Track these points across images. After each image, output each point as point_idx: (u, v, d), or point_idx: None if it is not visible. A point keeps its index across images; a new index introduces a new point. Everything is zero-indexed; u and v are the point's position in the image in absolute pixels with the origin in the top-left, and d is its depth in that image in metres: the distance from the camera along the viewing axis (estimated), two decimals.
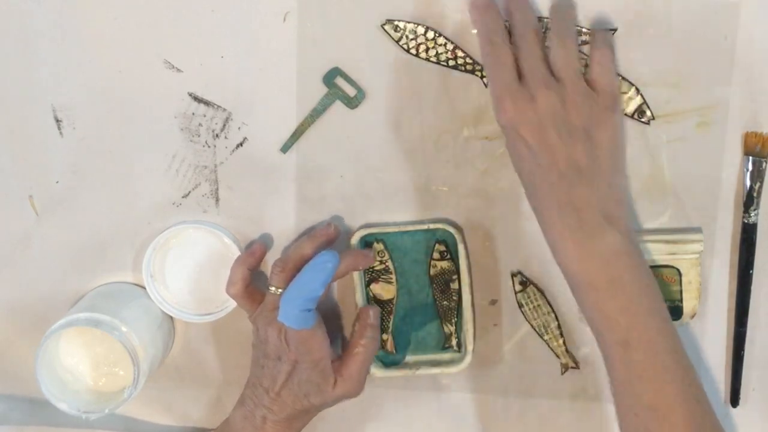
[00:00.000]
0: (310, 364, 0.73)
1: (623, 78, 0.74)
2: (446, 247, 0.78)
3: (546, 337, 0.79)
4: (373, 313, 0.76)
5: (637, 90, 0.74)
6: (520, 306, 0.79)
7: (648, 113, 0.74)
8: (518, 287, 0.78)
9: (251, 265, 0.77)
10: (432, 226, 0.77)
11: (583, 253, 0.66)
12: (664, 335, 0.66)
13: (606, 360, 0.68)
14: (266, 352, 0.74)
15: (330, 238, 0.76)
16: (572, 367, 0.80)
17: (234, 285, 0.76)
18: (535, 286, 0.78)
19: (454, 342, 0.79)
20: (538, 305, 0.78)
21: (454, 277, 0.78)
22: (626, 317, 0.66)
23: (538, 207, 0.68)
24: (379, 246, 0.78)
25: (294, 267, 0.74)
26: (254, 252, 0.77)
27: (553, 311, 0.78)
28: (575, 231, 0.66)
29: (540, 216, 0.68)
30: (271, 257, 0.80)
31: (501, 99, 0.67)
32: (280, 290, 0.74)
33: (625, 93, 0.74)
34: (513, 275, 0.78)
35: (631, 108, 0.74)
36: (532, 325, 0.79)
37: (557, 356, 0.80)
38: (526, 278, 0.78)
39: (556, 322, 0.79)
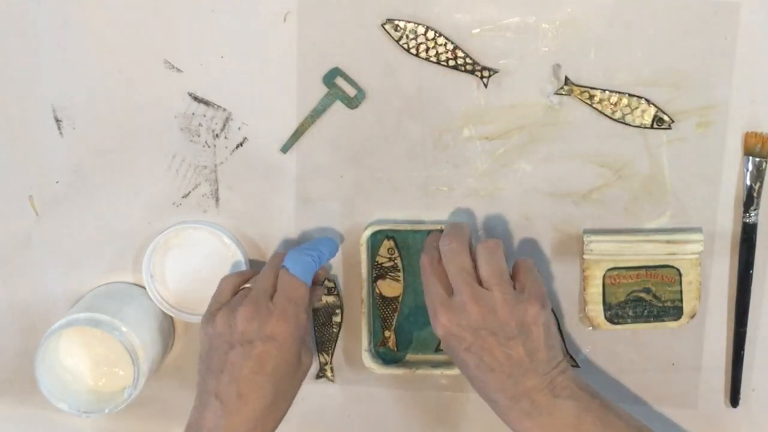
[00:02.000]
0: (292, 336, 0.70)
1: (631, 94, 0.74)
2: None
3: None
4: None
5: (647, 100, 0.74)
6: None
7: (666, 118, 0.74)
8: None
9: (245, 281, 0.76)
10: (443, 227, 0.77)
11: (551, 430, 0.68)
12: None
13: None
14: (229, 340, 0.69)
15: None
16: (573, 366, 0.80)
17: (233, 274, 0.76)
18: None
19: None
20: None
21: (338, 311, 0.80)
22: None
23: (490, 401, 0.70)
24: (389, 243, 0.78)
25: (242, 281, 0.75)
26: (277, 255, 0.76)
27: (553, 313, 0.78)
28: (533, 416, 0.68)
29: (495, 407, 0.70)
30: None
31: (435, 312, 0.69)
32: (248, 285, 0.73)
33: (637, 107, 0.74)
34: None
35: (648, 119, 0.74)
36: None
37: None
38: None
39: (556, 324, 0.79)
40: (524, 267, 0.72)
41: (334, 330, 0.80)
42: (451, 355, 0.71)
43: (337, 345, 0.81)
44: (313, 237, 0.79)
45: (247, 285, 0.74)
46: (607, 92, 0.74)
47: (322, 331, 0.80)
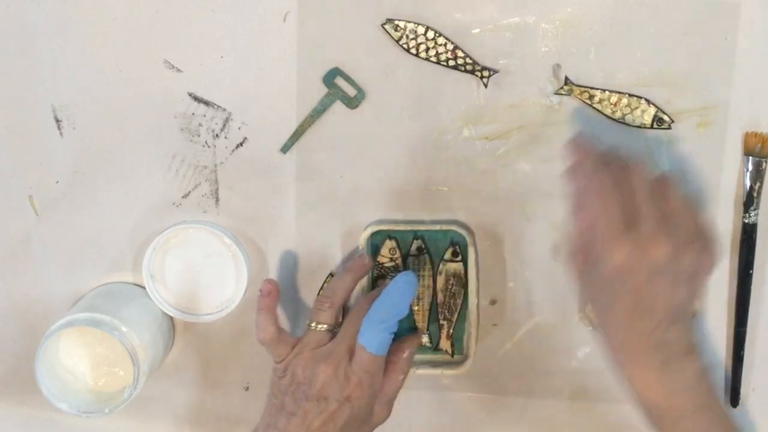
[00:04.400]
0: (367, 399, 0.71)
1: (631, 94, 0.74)
2: (459, 248, 0.78)
3: (415, 308, 0.80)
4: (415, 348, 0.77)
5: (647, 100, 0.74)
6: (407, 269, 0.79)
7: (666, 118, 0.74)
8: (414, 251, 0.78)
9: (273, 306, 0.76)
10: (444, 227, 0.77)
11: (672, 386, 0.65)
12: None
13: None
14: (307, 393, 0.71)
15: (366, 268, 0.77)
16: (445, 352, 0.80)
17: (265, 330, 0.74)
18: (430, 260, 0.78)
19: (425, 340, 0.80)
20: (422, 276, 0.79)
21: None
22: None
23: (619, 346, 0.66)
24: (391, 243, 0.78)
25: (341, 301, 0.75)
26: (271, 292, 0.76)
27: (434, 290, 0.78)
28: (662, 369, 0.65)
29: (621, 355, 0.66)
30: (272, 261, 0.80)
31: (617, 239, 0.63)
32: (324, 327, 0.73)
33: (637, 107, 0.74)
34: (415, 238, 0.78)
35: (648, 119, 0.74)
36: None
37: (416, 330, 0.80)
38: (426, 247, 0.78)
39: (432, 301, 0.79)
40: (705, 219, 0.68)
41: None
42: (604, 289, 0.65)
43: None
44: (306, 242, 0.79)
45: (319, 326, 0.74)
46: (606, 92, 0.74)
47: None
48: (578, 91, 0.74)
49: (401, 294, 0.72)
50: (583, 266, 0.66)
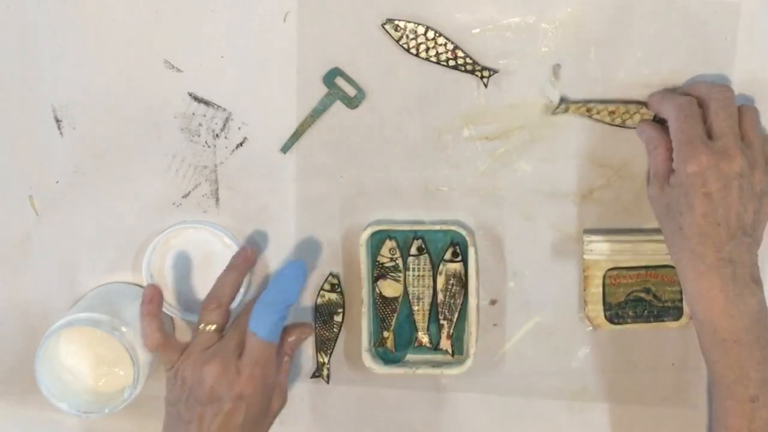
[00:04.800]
0: (261, 393, 0.71)
1: (628, 101, 0.74)
2: (459, 248, 0.78)
3: (415, 308, 0.79)
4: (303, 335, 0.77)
5: (646, 104, 0.74)
6: (406, 269, 0.79)
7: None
8: (414, 251, 0.78)
9: (157, 311, 0.75)
10: (444, 227, 0.77)
11: (734, 309, 0.67)
12: None
13: (725, 411, 0.68)
14: (199, 397, 0.70)
15: (250, 261, 0.77)
16: (445, 352, 0.80)
17: (151, 337, 0.73)
18: (430, 260, 0.79)
19: (425, 340, 0.80)
20: (422, 276, 0.79)
21: (340, 310, 0.80)
22: (761, 373, 0.67)
23: (690, 258, 0.68)
24: (391, 243, 0.78)
25: (229, 300, 0.74)
26: (153, 297, 0.75)
27: (434, 290, 0.78)
28: (729, 287, 0.67)
29: (690, 268, 0.68)
30: (272, 261, 0.80)
31: (695, 148, 0.67)
32: (212, 327, 0.73)
33: (636, 112, 0.74)
34: (415, 238, 0.78)
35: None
36: (407, 290, 0.79)
37: (416, 330, 0.80)
38: (426, 247, 0.78)
39: (432, 301, 0.79)
40: None
41: (335, 330, 0.80)
42: (677, 197, 0.68)
43: (336, 345, 0.81)
44: (306, 242, 0.79)
45: (207, 327, 0.73)
46: (604, 104, 0.74)
47: (322, 330, 0.80)
48: (575, 108, 0.74)
49: (291, 279, 0.72)
50: (659, 187, 0.70)
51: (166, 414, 0.72)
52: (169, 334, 0.75)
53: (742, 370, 0.67)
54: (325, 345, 0.81)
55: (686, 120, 0.69)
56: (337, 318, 0.80)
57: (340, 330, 0.80)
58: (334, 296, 0.80)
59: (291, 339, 0.76)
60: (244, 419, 0.70)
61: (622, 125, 0.75)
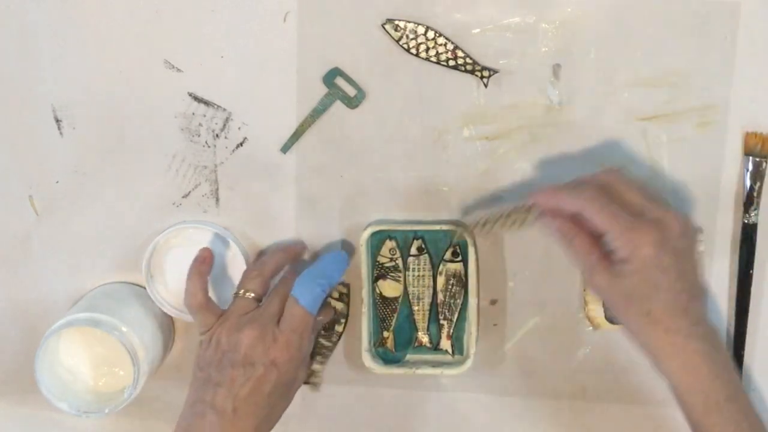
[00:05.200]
0: (294, 363, 0.71)
1: (518, 207, 0.73)
2: (459, 248, 0.78)
3: (415, 308, 0.79)
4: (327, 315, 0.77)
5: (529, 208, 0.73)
6: (406, 269, 0.79)
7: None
8: (414, 251, 0.78)
9: (206, 273, 0.76)
10: (444, 227, 0.77)
11: (718, 368, 0.66)
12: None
13: None
14: (232, 360, 0.70)
15: (299, 255, 0.78)
16: (445, 352, 0.80)
17: (195, 296, 0.74)
18: (430, 260, 0.79)
19: (425, 340, 0.80)
20: (422, 276, 0.79)
21: (342, 320, 0.79)
22: (749, 420, 0.67)
23: (665, 338, 0.66)
24: (391, 243, 0.78)
25: (270, 274, 0.75)
26: (206, 259, 0.76)
27: (435, 290, 0.78)
28: (707, 349, 0.65)
29: (668, 347, 0.66)
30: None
31: (639, 231, 0.65)
32: (252, 294, 0.73)
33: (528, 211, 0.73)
34: (415, 238, 0.78)
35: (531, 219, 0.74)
36: (407, 290, 0.79)
37: (416, 330, 0.80)
38: (426, 247, 0.78)
39: (432, 301, 0.79)
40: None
41: (334, 339, 0.80)
42: (637, 282, 0.65)
43: (337, 345, 0.81)
44: (321, 249, 0.79)
45: (247, 294, 0.74)
46: (499, 214, 0.73)
47: (321, 338, 0.80)
48: (473, 228, 0.75)
49: (335, 264, 0.74)
50: (607, 276, 0.67)
51: (193, 378, 0.72)
52: (211, 299, 0.75)
53: (739, 425, 0.66)
54: (321, 353, 0.80)
55: (612, 207, 0.66)
56: (338, 328, 0.80)
57: (338, 340, 0.80)
58: (340, 305, 0.79)
59: (319, 318, 0.75)
60: (273, 387, 0.70)
61: (522, 226, 0.73)
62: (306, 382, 0.80)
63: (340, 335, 0.80)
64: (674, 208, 0.68)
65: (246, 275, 0.75)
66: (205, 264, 0.76)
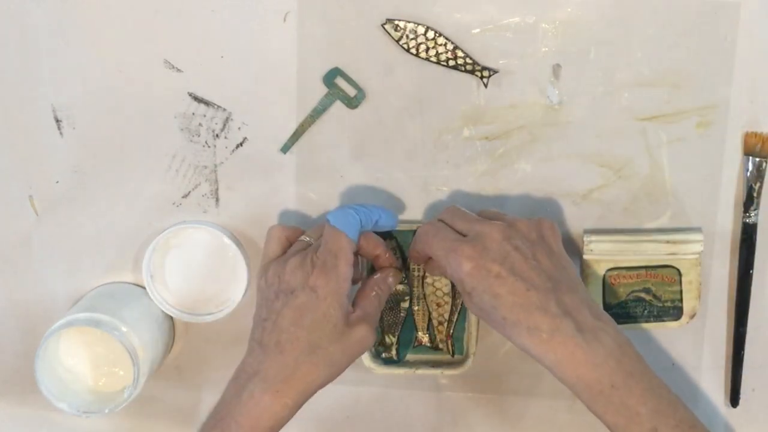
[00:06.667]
0: (332, 288, 0.69)
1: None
2: None
3: (415, 308, 0.80)
4: (394, 276, 0.75)
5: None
6: (406, 269, 0.79)
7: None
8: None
9: (295, 237, 0.74)
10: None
11: (595, 356, 0.65)
12: (687, 411, 0.66)
13: None
14: (277, 290, 0.70)
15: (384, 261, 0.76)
16: (445, 352, 0.80)
17: (281, 225, 0.74)
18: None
19: (425, 340, 0.80)
20: (422, 275, 0.79)
21: (407, 298, 0.80)
22: (648, 405, 0.65)
23: (530, 336, 0.66)
24: (391, 243, 0.78)
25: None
26: (286, 227, 0.75)
27: (435, 289, 0.79)
28: (579, 338, 0.65)
29: (538, 343, 0.65)
30: None
31: (456, 249, 0.67)
32: (307, 239, 0.73)
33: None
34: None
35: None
36: (412, 291, 0.79)
37: (416, 330, 0.80)
38: None
39: (432, 301, 0.79)
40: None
41: (401, 314, 0.80)
42: (480, 296, 0.67)
43: (404, 320, 0.80)
44: None
45: (303, 237, 0.73)
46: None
47: (388, 315, 0.80)
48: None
49: (379, 208, 0.73)
50: (467, 300, 0.69)
51: (253, 325, 0.71)
52: (289, 238, 0.74)
53: (630, 410, 0.65)
54: (392, 328, 0.80)
55: (436, 238, 0.69)
56: (404, 305, 0.80)
57: (406, 315, 0.80)
58: (401, 287, 0.79)
59: (379, 276, 0.74)
60: (313, 318, 0.68)
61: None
62: (384, 355, 0.80)
63: (407, 310, 0.79)
64: (510, 219, 0.69)
65: (315, 228, 0.74)
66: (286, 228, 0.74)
